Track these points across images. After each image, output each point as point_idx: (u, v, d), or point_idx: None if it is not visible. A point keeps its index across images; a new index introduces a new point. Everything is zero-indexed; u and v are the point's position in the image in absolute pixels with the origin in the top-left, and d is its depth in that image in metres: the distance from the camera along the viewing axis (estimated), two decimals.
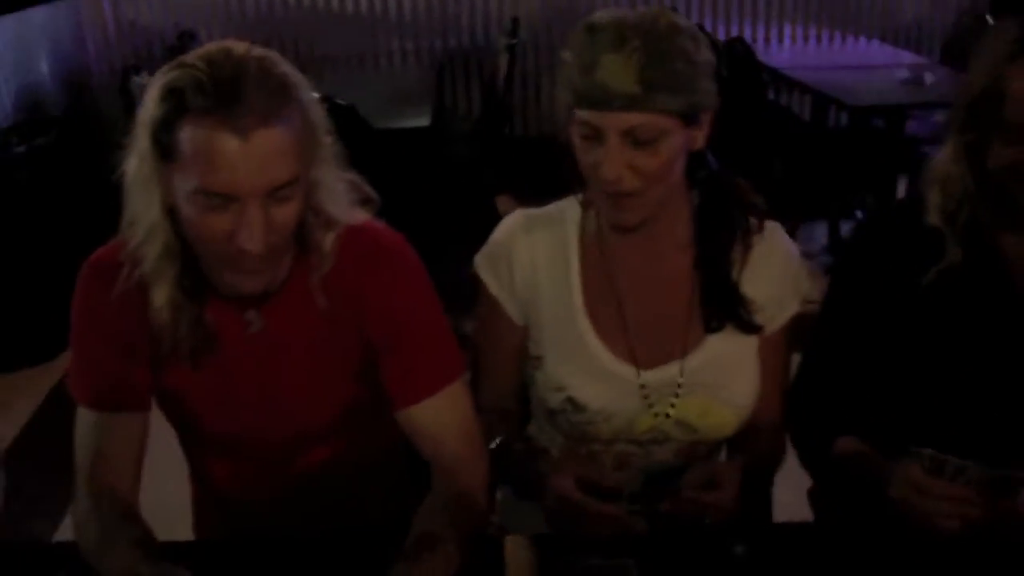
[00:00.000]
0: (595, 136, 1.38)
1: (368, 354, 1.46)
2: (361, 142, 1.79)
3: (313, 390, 1.48)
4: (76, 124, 4.63)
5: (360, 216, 1.44)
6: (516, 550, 1.34)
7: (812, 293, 1.60)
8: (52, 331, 1.45)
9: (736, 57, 4.63)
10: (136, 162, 1.28)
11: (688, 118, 1.38)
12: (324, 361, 1.46)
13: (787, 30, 5.79)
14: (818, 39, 5.81)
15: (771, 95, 5.58)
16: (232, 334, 1.42)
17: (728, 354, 1.55)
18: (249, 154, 1.20)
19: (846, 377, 1.54)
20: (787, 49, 5.78)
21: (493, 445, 1.50)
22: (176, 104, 1.22)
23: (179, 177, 1.24)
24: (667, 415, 1.54)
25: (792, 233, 1.60)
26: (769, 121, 4.81)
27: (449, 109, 5.64)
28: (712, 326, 1.54)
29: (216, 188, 1.22)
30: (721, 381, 1.54)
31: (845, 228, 4.66)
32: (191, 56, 1.25)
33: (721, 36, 5.48)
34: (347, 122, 3.00)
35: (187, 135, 1.21)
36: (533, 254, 1.56)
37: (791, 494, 1.74)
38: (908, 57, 5.13)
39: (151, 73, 1.49)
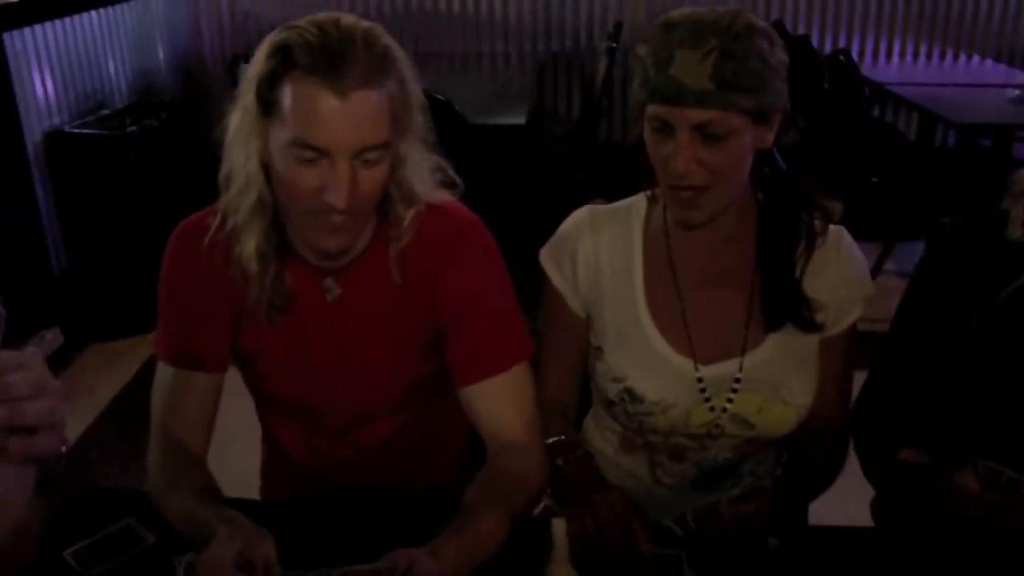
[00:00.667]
0: (666, 130, 1.39)
1: (438, 331, 1.49)
2: (454, 134, 1.82)
3: (383, 362, 1.51)
4: (185, 108, 4.78)
5: (442, 196, 1.47)
6: (564, 534, 1.34)
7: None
8: (155, 303, 1.52)
9: (839, 70, 4.55)
10: (239, 115, 1.34)
11: (759, 117, 1.38)
12: (396, 334, 1.49)
13: (896, 45, 5.63)
14: (928, 56, 5.64)
15: (877, 111, 5.47)
16: (310, 300, 1.46)
17: (788, 353, 1.54)
18: (346, 112, 1.25)
19: (916, 388, 1.51)
20: (895, 64, 5.62)
21: (549, 442, 1.50)
22: (283, 60, 1.27)
23: (277, 130, 1.29)
24: (724, 409, 1.54)
25: (889, 250, 1.58)
26: (871, 136, 4.70)
27: (547, 110, 5.66)
28: (772, 324, 1.53)
29: (310, 140, 1.26)
30: (780, 379, 1.53)
31: None
32: (302, 20, 1.30)
33: (828, 49, 5.39)
34: (442, 116, 3.05)
35: (289, 90, 1.26)
36: (597, 248, 1.57)
37: (855, 504, 1.71)
38: (1022, 77, 4.95)
39: None
